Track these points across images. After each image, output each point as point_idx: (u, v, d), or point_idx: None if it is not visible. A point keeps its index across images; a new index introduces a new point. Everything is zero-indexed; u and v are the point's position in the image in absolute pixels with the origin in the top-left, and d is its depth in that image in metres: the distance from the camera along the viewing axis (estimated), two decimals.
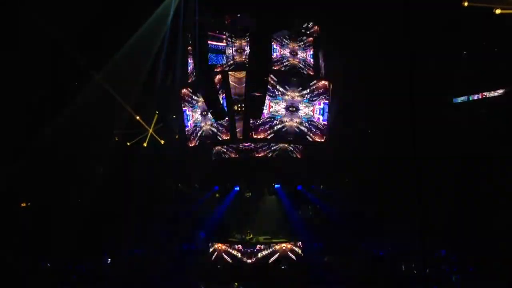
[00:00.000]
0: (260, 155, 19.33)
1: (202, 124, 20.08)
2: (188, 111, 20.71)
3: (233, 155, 20.05)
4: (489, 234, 18.18)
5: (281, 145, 19.74)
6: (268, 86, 18.36)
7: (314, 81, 19.49)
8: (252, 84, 18.24)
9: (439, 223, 19.00)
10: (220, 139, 19.55)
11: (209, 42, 18.70)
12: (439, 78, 21.64)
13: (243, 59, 18.98)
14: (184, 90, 20.66)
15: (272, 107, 18.81)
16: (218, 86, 18.73)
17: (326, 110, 19.79)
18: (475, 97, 22.83)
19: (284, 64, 19.17)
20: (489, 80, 22.00)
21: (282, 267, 19.72)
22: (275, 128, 18.94)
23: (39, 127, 21.15)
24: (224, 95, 18.68)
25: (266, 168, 20.07)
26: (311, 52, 19.75)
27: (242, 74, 18.62)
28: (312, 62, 19.71)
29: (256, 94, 18.10)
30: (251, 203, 21.52)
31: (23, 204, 24.75)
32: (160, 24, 19.49)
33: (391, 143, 21.34)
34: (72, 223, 22.01)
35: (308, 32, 19.80)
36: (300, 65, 19.47)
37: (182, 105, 20.82)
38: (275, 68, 18.84)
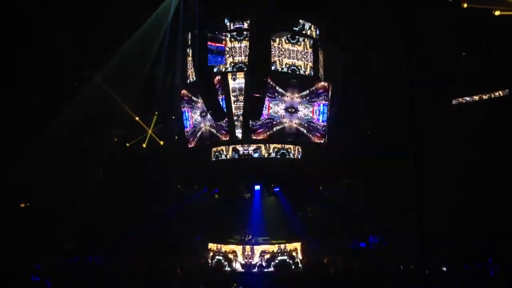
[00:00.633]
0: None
1: (202, 125, 20.06)
2: (187, 112, 20.69)
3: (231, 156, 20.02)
4: (489, 234, 18.24)
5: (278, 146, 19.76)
6: (268, 87, 18.34)
7: (314, 82, 19.49)
8: (251, 85, 18.22)
9: (438, 223, 19.10)
10: (219, 140, 19.54)
11: (208, 43, 18.66)
12: (439, 79, 21.70)
13: (243, 60, 18.99)
14: (183, 91, 20.63)
15: (271, 108, 18.79)
16: (217, 87, 18.71)
17: (326, 111, 19.78)
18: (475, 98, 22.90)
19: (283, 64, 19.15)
20: (489, 82, 22.06)
21: (282, 267, 19.70)
22: (274, 129, 18.93)
23: (39, 127, 21.12)
24: (223, 96, 18.67)
25: (265, 169, 20.04)
26: (311, 53, 19.73)
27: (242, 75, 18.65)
28: (312, 63, 19.70)
29: (256, 95, 18.08)
30: (250, 204, 21.52)
31: (22, 205, 24.74)
32: (160, 24, 19.51)
33: (391, 143, 21.40)
34: (71, 223, 22.10)
35: (307, 33, 19.78)
36: (300, 65, 19.44)
37: (182, 106, 20.79)
38: (274, 69, 18.81)
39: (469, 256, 17.26)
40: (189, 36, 19.32)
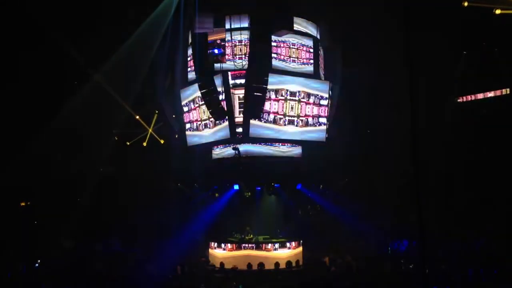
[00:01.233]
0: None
1: (202, 124, 20.04)
2: (188, 110, 20.67)
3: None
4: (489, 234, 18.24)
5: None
6: (268, 86, 18.31)
7: (314, 81, 19.48)
8: (252, 84, 18.20)
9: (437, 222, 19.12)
10: (219, 139, 19.53)
11: (209, 41, 18.67)
12: (439, 78, 21.69)
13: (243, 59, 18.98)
14: (183, 89, 20.62)
15: (272, 106, 18.78)
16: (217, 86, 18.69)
17: (326, 110, 19.78)
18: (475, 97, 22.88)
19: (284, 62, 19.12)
20: (489, 81, 22.05)
21: (282, 267, 19.70)
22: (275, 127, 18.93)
23: (39, 126, 21.11)
24: (223, 94, 18.65)
25: (265, 167, 20.01)
26: (311, 52, 19.72)
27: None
28: (312, 62, 19.68)
29: (256, 93, 18.06)
30: (250, 203, 21.49)
31: (23, 204, 24.74)
32: (160, 23, 19.47)
33: (391, 143, 21.40)
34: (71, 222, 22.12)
35: (308, 32, 19.77)
36: (300, 64, 19.43)
37: (182, 104, 20.77)
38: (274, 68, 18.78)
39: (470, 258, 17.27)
40: (189, 35, 19.31)
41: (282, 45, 19.01)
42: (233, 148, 18.92)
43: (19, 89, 20.79)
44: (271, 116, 18.61)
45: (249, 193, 21.43)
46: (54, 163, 23.21)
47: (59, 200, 24.21)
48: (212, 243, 20.96)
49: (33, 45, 19.75)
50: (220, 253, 20.44)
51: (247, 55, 18.64)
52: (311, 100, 19.27)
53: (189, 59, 20.21)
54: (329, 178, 22.91)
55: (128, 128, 25.41)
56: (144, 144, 25.65)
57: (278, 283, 17.27)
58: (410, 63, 9.09)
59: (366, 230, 21.42)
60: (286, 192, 21.69)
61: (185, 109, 20.66)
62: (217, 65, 18.87)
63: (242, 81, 18.58)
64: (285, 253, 20.02)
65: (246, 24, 18.77)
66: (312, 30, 19.98)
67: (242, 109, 18.55)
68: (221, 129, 19.05)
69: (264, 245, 20.07)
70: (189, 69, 20.29)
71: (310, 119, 19.32)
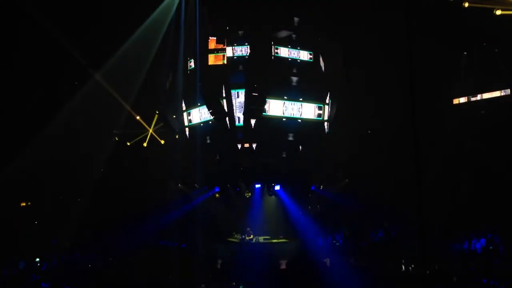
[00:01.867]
0: None
1: (202, 124, 20.07)
2: (188, 111, 20.67)
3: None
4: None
5: None
6: (269, 87, 18.33)
7: (314, 81, 19.50)
8: (252, 85, 18.22)
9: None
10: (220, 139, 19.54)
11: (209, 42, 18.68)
12: (439, 79, 21.69)
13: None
14: (184, 90, 20.62)
15: (272, 108, 18.80)
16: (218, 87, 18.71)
17: (327, 110, 19.80)
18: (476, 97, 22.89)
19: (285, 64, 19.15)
20: (490, 81, 22.05)
21: (282, 267, 19.69)
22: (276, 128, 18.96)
23: (39, 126, 21.11)
24: (224, 95, 18.66)
25: (267, 169, 20.02)
26: (311, 52, 19.73)
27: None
28: (312, 63, 19.71)
29: (257, 94, 18.09)
30: (251, 204, 21.49)
31: (23, 204, 24.77)
32: (161, 23, 19.49)
33: (391, 143, 21.39)
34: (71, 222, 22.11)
35: (308, 32, 19.78)
36: (300, 65, 19.46)
37: (183, 105, 20.78)
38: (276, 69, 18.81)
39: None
40: (190, 35, 19.32)
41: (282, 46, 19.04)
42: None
43: (19, 89, 20.81)
44: None
45: (249, 194, 21.44)
46: (54, 163, 23.19)
47: (59, 200, 24.27)
48: (213, 242, 20.93)
49: (34, 44, 19.76)
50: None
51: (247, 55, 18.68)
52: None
53: (189, 59, 20.22)
54: (330, 178, 22.89)
55: (129, 128, 25.44)
56: (145, 144, 25.67)
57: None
58: (411, 63, 9.10)
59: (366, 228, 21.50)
60: (286, 193, 21.68)
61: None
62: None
63: None
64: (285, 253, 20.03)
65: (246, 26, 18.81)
66: (312, 31, 19.98)
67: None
68: None
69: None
70: (189, 69, 20.30)
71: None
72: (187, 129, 20.86)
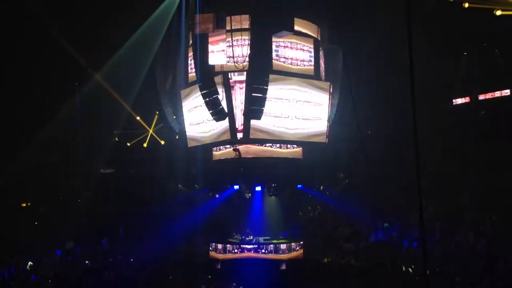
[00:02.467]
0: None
1: (203, 125, 20.04)
2: (188, 111, 20.65)
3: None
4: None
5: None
6: (269, 87, 18.30)
7: (315, 82, 19.47)
8: (252, 85, 18.19)
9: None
10: (220, 139, 19.50)
11: (209, 41, 18.64)
12: (439, 79, 21.70)
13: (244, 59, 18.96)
14: (184, 90, 20.61)
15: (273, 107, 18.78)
16: (218, 87, 18.68)
17: (327, 110, 19.78)
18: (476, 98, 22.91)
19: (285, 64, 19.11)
20: (490, 82, 22.08)
21: (282, 268, 19.70)
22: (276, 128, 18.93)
23: (39, 127, 21.15)
24: (224, 95, 18.63)
25: (266, 168, 20.00)
26: (312, 52, 19.71)
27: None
28: (313, 62, 19.67)
29: (257, 94, 18.05)
30: (251, 204, 21.49)
31: (24, 204, 24.81)
32: (161, 23, 19.50)
33: (392, 143, 21.41)
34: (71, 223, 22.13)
35: (308, 33, 19.76)
36: (301, 65, 19.42)
37: (183, 105, 20.76)
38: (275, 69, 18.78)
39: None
40: (190, 35, 19.30)
41: (282, 46, 19.00)
42: (234, 149, 18.88)
43: (19, 90, 20.84)
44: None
45: (250, 194, 21.43)
46: (54, 164, 23.23)
47: (59, 201, 24.30)
48: (212, 243, 20.92)
49: (34, 45, 19.78)
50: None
51: (247, 55, 18.61)
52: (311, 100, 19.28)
53: (190, 59, 20.20)
54: (330, 178, 22.93)
55: (129, 129, 25.48)
56: (145, 145, 25.71)
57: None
58: (411, 64, 9.08)
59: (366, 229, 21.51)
60: (286, 192, 21.69)
61: (185, 109, 20.65)
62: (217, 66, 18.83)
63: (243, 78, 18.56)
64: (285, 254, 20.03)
65: (246, 26, 18.74)
66: (312, 31, 19.97)
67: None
68: (221, 131, 19.03)
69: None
70: (190, 69, 20.27)
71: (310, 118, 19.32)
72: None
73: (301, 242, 20.68)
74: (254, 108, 18.20)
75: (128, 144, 26.01)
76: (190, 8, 18.47)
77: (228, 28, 18.72)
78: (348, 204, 22.08)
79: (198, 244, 22.26)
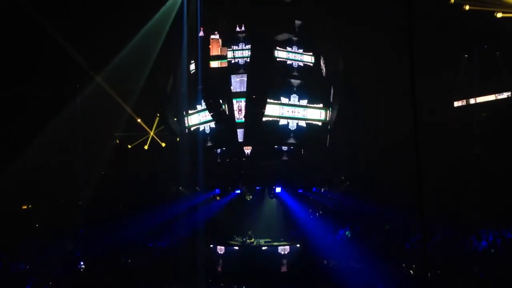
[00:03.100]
0: None
1: (203, 127, 20.08)
2: (189, 113, 20.69)
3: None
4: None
5: None
6: (270, 89, 18.35)
7: (315, 83, 19.51)
8: (253, 87, 18.23)
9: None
10: (221, 141, 19.54)
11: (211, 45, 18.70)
12: (440, 81, 21.72)
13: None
14: (185, 93, 20.64)
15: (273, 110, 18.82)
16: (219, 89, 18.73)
17: (328, 112, 19.80)
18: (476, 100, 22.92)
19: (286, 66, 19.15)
20: (490, 83, 22.09)
21: (283, 270, 19.68)
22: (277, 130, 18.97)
23: (41, 128, 21.16)
24: (225, 98, 18.67)
25: (267, 170, 20.00)
26: (312, 54, 19.74)
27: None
28: (314, 64, 19.72)
29: (257, 97, 18.11)
30: (252, 206, 21.46)
31: (25, 207, 24.80)
32: (162, 25, 19.53)
33: (392, 145, 21.41)
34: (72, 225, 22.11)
35: (309, 34, 19.80)
36: (302, 67, 19.47)
37: (184, 107, 20.79)
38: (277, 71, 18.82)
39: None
40: (192, 39, 19.36)
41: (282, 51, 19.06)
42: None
43: (20, 91, 20.87)
44: None
45: (250, 196, 21.40)
46: (55, 166, 23.23)
47: (60, 203, 24.29)
48: (214, 245, 20.90)
49: (35, 47, 19.82)
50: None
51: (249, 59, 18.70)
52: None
53: (191, 62, 20.24)
54: (330, 180, 22.87)
55: (130, 131, 25.49)
56: (146, 147, 25.72)
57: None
58: (412, 65, 9.10)
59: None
60: (287, 195, 21.67)
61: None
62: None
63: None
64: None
65: (247, 28, 18.80)
66: (313, 36, 19.99)
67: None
68: None
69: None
70: (191, 72, 20.30)
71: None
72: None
73: (302, 244, 20.68)
74: (255, 111, 18.28)
75: (129, 146, 26.01)
76: (191, 11, 18.55)
77: (228, 30, 18.85)
78: (349, 206, 22.05)
79: (199, 246, 22.21)
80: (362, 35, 19.84)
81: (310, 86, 19.50)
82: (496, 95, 22.26)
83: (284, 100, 19.02)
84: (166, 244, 22.01)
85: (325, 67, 20.33)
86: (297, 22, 19.35)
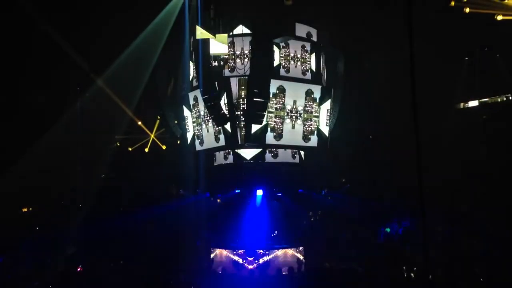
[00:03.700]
0: None
1: (204, 129, 20.07)
2: (189, 116, 20.69)
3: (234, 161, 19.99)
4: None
5: None
6: (270, 91, 18.36)
7: (316, 86, 19.51)
8: (253, 90, 18.23)
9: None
10: (221, 144, 19.52)
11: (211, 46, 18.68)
12: (441, 84, 21.73)
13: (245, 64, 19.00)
14: (186, 95, 20.65)
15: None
16: (219, 91, 18.73)
17: (328, 114, 19.79)
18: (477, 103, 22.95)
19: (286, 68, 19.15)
20: (491, 86, 22.12)
21: (284, 273, 19.64)
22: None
23: (40, 131, 21.16)
24: (225, 100, 18.67)
25: (268, 173, 19.99)
26: (313, 57, 19.75)
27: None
28: (314, 67, 19.71)
29: (258, 99, 18.10)
30: (252, 208, 21.43)
31: (25, 209, 24.77)
32: (162, 28, 19.56)
33: (393, 147, 21.42)
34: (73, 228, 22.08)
35: (309, 36, 19.81)
36: (301, 69, 19.46)
37: (184, 110, 20.80)
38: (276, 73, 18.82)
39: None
40: (192, 40, 19.38)
41: (283, 51, 19.05)
42: None
43: (19, 93, 20.88)
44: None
45: (251, 199, 21.39)
46: (55, 169, 23.21)
47: (60, 206, 24.27)
48: (213, 248, 20.87)
49: (35, 48, 19.84)
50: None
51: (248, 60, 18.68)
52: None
53: (191, 64, 20.26)
54: (330, 182, 22.90)
55: (130, 133, 25.50)
56: (146, 150, 25.72)
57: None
58: (413, 67, 9.12)
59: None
60: (288, 198, 21.65)
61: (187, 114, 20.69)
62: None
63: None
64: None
65: (248, 30, 18.80)
66: (313, 36, 20.01)
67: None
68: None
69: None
70: (191, 74, 20.32)
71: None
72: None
73: (303, 247, 20.66)
74: (255, 112, 18.26)
75: (130, 149, 26.01)
76: (192, 12, 18.56)
77: (229, 32, 18.84)
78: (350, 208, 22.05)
79: (199, 249, 22.21)
80: (362, 37, 19.89)
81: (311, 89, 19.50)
82: (496, 97, 22.30)
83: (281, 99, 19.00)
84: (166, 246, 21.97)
85: (326, 71, 20.35)
86: (298, 24, 19.38)
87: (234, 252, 20.23)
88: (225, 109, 18.53)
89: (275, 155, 19.57)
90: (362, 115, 22.32)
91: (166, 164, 24.84)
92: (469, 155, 21.44)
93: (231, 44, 18.82)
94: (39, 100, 21.49)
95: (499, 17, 15.80)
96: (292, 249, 20.36)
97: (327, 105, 19.65)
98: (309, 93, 19.25)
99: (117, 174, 26.68)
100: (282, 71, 18.88)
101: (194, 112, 20.28)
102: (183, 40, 19.74)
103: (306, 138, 19.31)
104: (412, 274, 17.27)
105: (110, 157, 25.47)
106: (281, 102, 18.73)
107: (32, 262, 19.95)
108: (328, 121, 19.81)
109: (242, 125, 18.56)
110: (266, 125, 18.58)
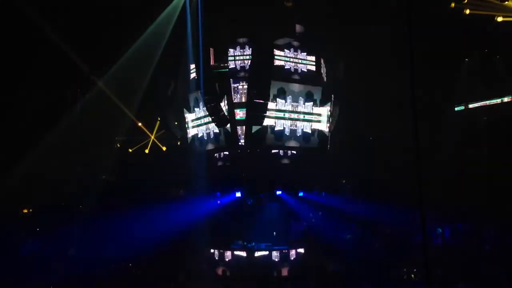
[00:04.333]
0: None
1: (204, 130, 20.12)
2: (190, 117, 20.74)
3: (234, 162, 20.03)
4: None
5: None
6: (270, 93, 18.40)
7: (316, 87, 19.55)
8: (254, 91, 18.29)
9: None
10: (222, 145, 19.58)
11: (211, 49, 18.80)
12: (441, 85, 21.75)
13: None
14: (186, 96, 20.71)
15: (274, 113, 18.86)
16: (220, 93, 18.79)
17: (328, 115, 19.83)
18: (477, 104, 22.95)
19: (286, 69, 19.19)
20: (491, 88, 22.12)
21: (284, 273, 19.66)
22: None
23: (41, 133, 21.16)
24: (226, 101, 18.73)
25: (268, 174, 20.02)
26: (313, 58, 19.79)
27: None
28: (314, 68, 19.76)
29: (258, 101, 18.16)
30: (253, 209, 21.47)
31: (25, 211, 24.75)
32: (163, 30, 19.59)
33: (393, 148, 21.40)
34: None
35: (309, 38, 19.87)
36: (302, 70, 19.51)
37: (184, 111, 20.84)
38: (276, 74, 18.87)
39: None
40: (193, 42, 19.44)
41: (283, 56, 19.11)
42: None
43: (21, 95, 20.89)
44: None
45: (251, 200, 21.43)
46: (56, 170, 23.20)
47: (61, 207, 24.24)
48: (214, 248, 20.87)
49: (36, 51, 19.86)
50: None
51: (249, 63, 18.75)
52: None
53: (191, 66, 20.31)
54: (330, 183, 22.89)
55: (131, 135, 25.48)
56: (146, 151, 25.71)
57: None
58: (412, 69, 9.15)
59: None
60: (288, 199, 21.67)
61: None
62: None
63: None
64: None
65: (248, 31, 18.88)
66: (314, 41, 20.05)
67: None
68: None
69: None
70: (191, 76, 20.37)
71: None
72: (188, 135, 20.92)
73: (302, 248, 20.68)
74: (255, 114, 18.32)
75: (130, 150, 25.99)
76: (192, 14, 18.64)
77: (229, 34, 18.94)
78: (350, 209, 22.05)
79: (200, 250, 22.19)
80: (363, 39, 19.90)
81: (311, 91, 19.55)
82: (497, 99, 22.29)
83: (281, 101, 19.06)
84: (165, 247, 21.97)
85: (326, 73, 20.38)
86: (299, 26, 19.43)
87: (234, 252, 20.27)
88: (225, 111, 18.61)
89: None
90: (362, 115, 22.31)
91: (166, 165, 24.82)
92: (469, 155, 21.46)
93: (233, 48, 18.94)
94: (40, 101, 21.50)
95: (499, 19, 15.84)
96: (292, 249, 20.40)
97: (327, 106, 19.72)
98: (309, 95, 19.33)
99: (117, 175, 26.66)
100: (283, 73, 18.99)
101: (194, 113, 20.33)
102: (184, 42, 19.82)
103: (306, 139, 19.38)
104: (412, 276, 17.33)
105: (111, 158, 25.45)
106: (282, 103, 18.82)
107: (33, 263, 19.97)
108: (328, 122, 19.86)
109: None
110: (266, 126, 18.67)
